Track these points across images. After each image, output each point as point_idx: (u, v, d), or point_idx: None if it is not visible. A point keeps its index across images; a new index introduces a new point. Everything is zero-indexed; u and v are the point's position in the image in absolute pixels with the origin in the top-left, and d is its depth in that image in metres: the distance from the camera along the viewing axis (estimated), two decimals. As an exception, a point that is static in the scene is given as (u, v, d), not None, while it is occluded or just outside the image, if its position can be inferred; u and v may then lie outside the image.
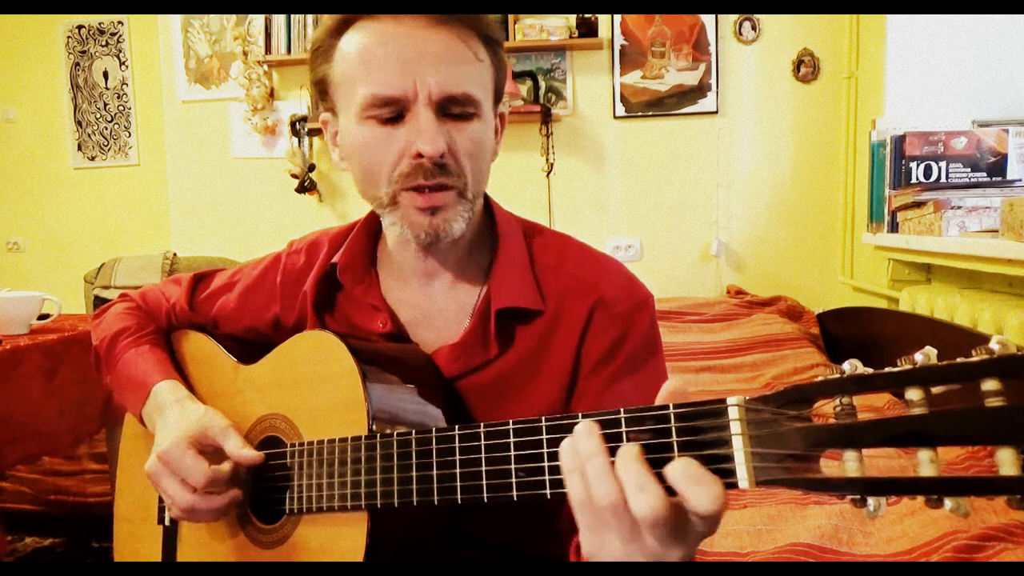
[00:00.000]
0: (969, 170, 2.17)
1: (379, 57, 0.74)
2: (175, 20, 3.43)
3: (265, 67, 3.29)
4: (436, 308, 0.86)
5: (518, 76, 3.05)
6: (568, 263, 0.85)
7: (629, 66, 3.06)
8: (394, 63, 0.73)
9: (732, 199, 3.06)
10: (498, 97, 0.82)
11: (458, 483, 0.64)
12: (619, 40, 3.06)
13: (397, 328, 0.86)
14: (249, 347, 0.94)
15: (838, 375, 0.44)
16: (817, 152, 2.98)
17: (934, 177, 2.19)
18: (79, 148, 4.04)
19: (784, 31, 2.96)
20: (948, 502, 0.40)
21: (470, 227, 0.82)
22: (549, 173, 3.10)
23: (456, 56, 0.75)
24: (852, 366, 0.44)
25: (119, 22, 3.93)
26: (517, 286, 0.82)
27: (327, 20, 0.80)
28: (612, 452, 0.52)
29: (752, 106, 3.03)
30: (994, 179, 2.14)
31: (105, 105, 3.99)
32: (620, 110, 3.09)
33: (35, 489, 2.31)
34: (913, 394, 0.41)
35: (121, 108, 3.98)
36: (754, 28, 2.98)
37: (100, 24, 3.95)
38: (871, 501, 0.42)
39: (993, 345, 0.38)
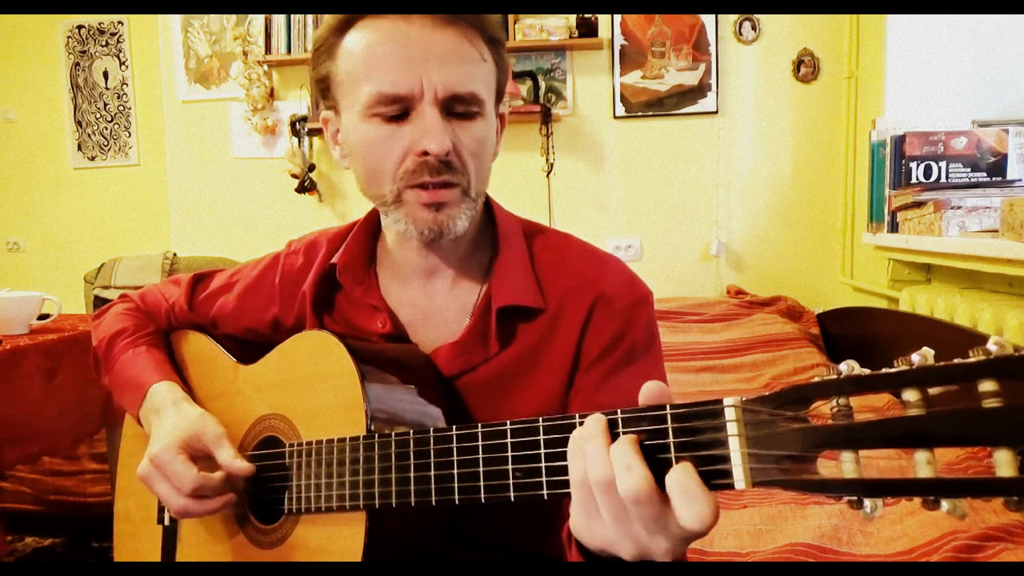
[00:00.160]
0: (969, 170, 2.17)
1: (385, 55, 0.74)
2: (175, 20, 3.43)
3: (265, 67, 3.29)
4: (436, 308, 0.86)
5: (518, 76, 3.05)
6: (569, 261, 0.85)
7: (629, 66, 3.06)
8: (400, 61, 0.74)
9: (732, 199, 3.06)
10: (500, 97, 0.83)
11: (455, 483, 0.64)
12: (619, 40, 3.06)
13: (397, 328, 0.86)
14: (248, 347, 0.94)
15: (835, 376, 0.44)
16: (817, 152, 2.98)
17: (934, 177, 2.19)
18: (79, 148, 4.05)
19: (784, 31, 2.96)
20: (945, 503, 0.40)
21: (471, 226, 0.82)
22: (549, 173, 3.10)
23: (462, 55, 0.76)
24: (849, 367, 0.44)
25: (119, 22, 3.93)
26: (518, 284, 0.82)
27: (330, 18, 0.80)
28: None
29: (752, 106, 3.02)
30: (994, 179, 2.14)
31: (105, 105, 4.00)
32: (620, 110, 3.09)
33: (35, 489, 2.31)
34: (910, 395, 0.41)
35: (121, 108, 3.98)
36: (754, 28, 2.98)
37: (100, 24, 3.95)
38: (867, 502, 0.42)
39: (990, 346, 0.38)
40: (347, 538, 0.73)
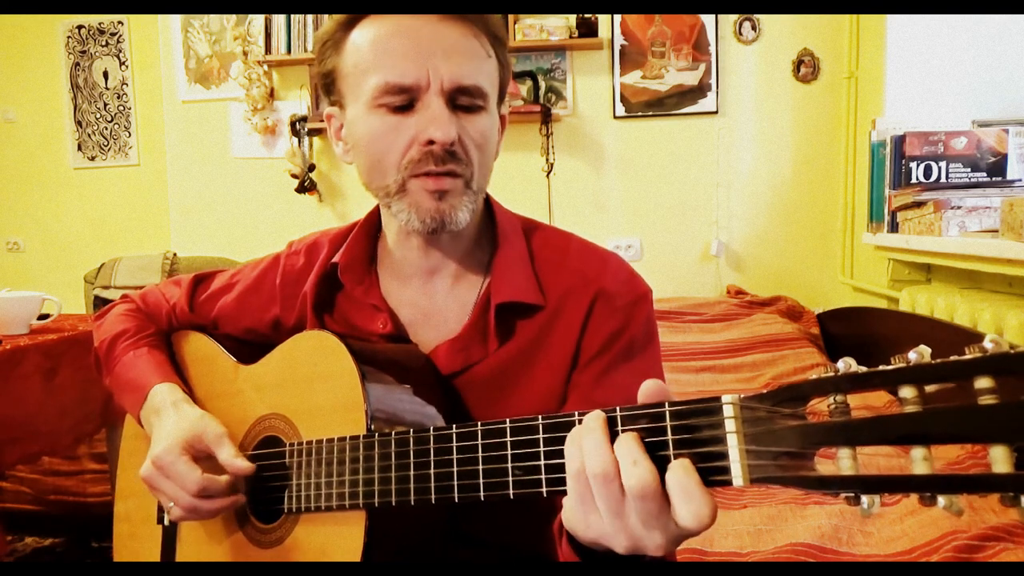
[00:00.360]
0: (969, 170, 2.17)
1: (393, 46, 0.76)
2: (175, 20, 3.44)
3: (265, 67, 3.29)
4: (436, 307, 0.87)
5: (518, 76, 3.05)
6: (570, 258, 0.85)
7: (629, 66, 3.06)
8: (408, 52, 0.75)
9: (732, 199, 3.06)
10: (502, 96, 0.84)
11: (455, 481, 0.64)
12: (619, 40, 3.06)
13: (397, 329, 0.86)
14: (249, 347, 0.94)
15: (832, 373, 0.44)
16: (817, 152, 2.98)
17: (934, 177, 2.19)
18: (79, 148, 4.05)
19: (784, 31, 2.97)
20: (941, 499, 0.40)
21: (472, 224, 0.82)
22: (549, 173, 3.10)
23: (468, 49, 0.77)
24: (846, 364, 0.44)
25: (119, 22, 3.94)
26: (517, 281, 0.83)
27: (336, 16, 0.81)
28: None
29: (752, 106, 3.03)
30: (994, 179, 2.14)
31: (105, 105, 4.00)
32: (620, 110, 3.09)
33: (35, 489, 2.31)
34: (907, 392, 0.41)
35: (121, 108, 3.99)
36: (754, 28, 2.98)
37: (100, 24, 3.96)
38: (865, 499, 0.43)
39: (986, 343, 0.38)
40: (347, 537, 0.73)
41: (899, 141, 2.22)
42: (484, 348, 0.83)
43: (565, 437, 0.56)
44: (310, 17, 3.16)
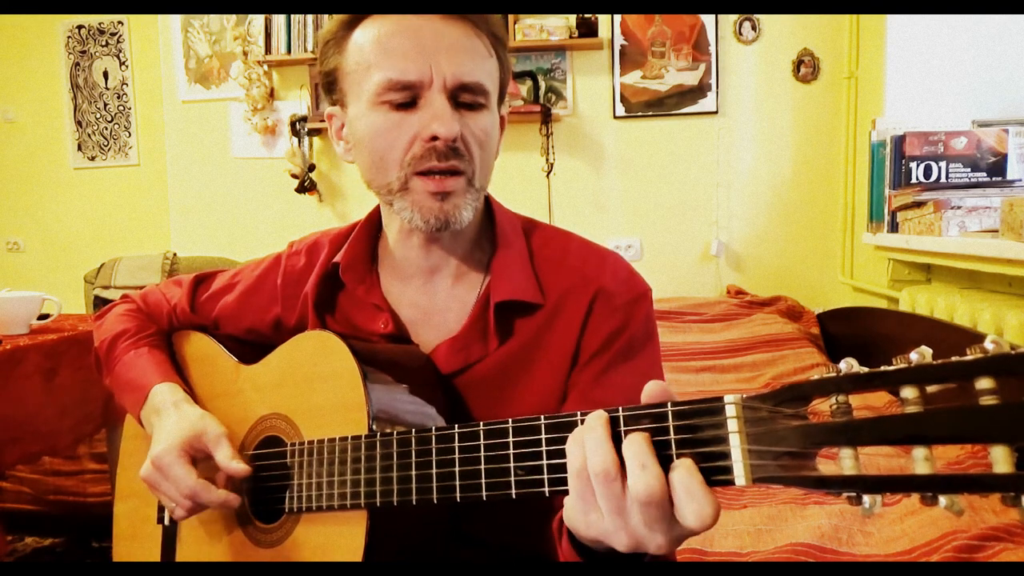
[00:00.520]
0: (969, 170, 2.17)
1: (396, 45, 0.76)
2: (175, 20, 3.44)
3: (265, 67, 3.29)
4: (437, 307, 0.87)
5: (518, 76, 3.05)
6: (569, 257, 0.86)
7: (629, 66, 3.07)
8: (411, 50, 0.76)
9: (732, 199, 3.06)
10: (502, 96, 0.84)
11: (457, 481, 0.64)
12: (619, 40, 3.06)
13: (398, 328, 0.87)
14: (250, 347, 0.94)
15: (834, 374, 0.44)
16: (817, 152, 2.98)
17: (934, 177, 2.19)
18: (79, 148, 4.05)
19: (784, 31, 2.97)
20: (942, 499, 0.40)
21: (472, 223, 0.83)
22: (549, 173, 3.10)
23: (470, 48, 0.78)
24: (848, 364, 0.44)
25: (119, 22, 3.94)
26: (517, 280, 0.83)
27: (338, 15, 0.82)
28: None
29: (752, 106, 3.03)
30: (994, 179, 2.14)
31: (105, 105, 4.00)
32: (620, 110, 3.09)
33: (35, 489, 2.31)
34: (908, 393, 0.41)
35: (121, 108, 3.99)
36: (754, 28, 2.99)
37: (100, 24, 3.95)
38: (866, 498, 0.43)
39: (987, 344, 0.39)
40: (348, 537, 0.73)
41: (899, 141, 2.22)
42: (484, 347, 0.83)
43: (568, 437, 0.56)
44: (310, 17, 3.16)
